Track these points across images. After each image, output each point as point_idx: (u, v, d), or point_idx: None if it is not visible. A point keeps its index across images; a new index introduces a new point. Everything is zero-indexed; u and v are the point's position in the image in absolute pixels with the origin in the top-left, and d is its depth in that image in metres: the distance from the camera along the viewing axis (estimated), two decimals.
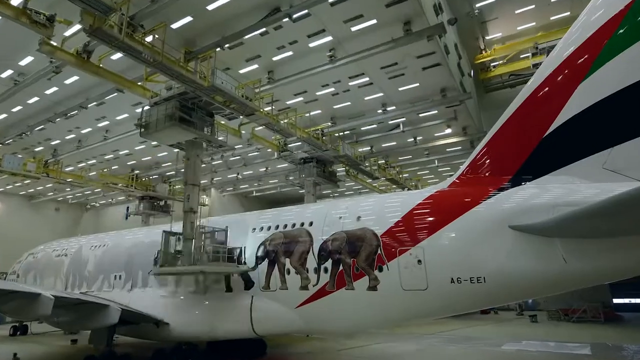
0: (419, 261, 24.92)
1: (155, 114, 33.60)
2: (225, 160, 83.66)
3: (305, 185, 59.40)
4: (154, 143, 67.36)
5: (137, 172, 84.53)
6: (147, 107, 34.47)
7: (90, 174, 78.89)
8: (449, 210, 25.21)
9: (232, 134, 46.06)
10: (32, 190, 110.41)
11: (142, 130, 33.70)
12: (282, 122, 46.03)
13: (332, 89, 56.03)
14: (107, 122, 66.02)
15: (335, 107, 60.34)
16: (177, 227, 34.22)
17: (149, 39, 30.61)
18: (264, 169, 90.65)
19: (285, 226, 32.81)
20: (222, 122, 42.63)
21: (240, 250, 33.08)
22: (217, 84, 32.98)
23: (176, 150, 37.43)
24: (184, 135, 33.70)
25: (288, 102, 57.90)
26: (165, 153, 78.69)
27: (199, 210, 33.73)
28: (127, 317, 33.20)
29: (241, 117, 38.09)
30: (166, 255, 31.89)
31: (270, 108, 44.16)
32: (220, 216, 41.87)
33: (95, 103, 55.57)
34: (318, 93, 57.18)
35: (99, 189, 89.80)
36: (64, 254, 49.34)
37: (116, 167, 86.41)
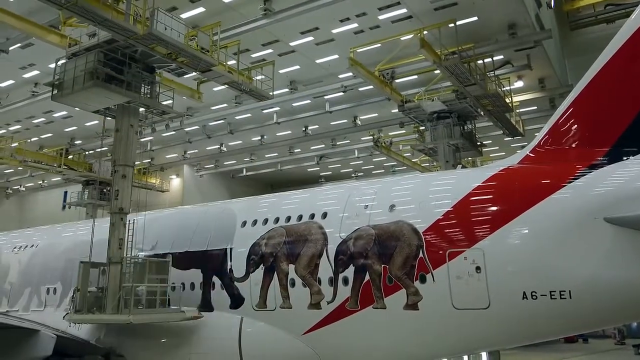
0: (478, 268, 24.69)
1: (72, 70, 33.19)
2: (203, 126, 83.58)
3: (442, 152, 59.14)
4: None
5: (78, 142, 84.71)
6: (62, 61, 34.40)
7: (12, 145, 79.02)
8: (520, 197, 25.22)
9: (187, 96, 46.92)
10: None
11: (55, 92, 33.61)
12: (257, 78, 44.96)
13: (355, 25, 55.77)
14: (36, 72, 66.13)
15: (359, 50, 60.00)
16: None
17: None
18: (259, 137, 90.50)
19: (289, 219, 32.19)
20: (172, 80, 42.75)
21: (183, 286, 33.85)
22: (156, 31, 32.08)
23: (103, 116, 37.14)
24: (112, 98, 33.54)
25: (292, 44, 57.80)
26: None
27: (131, 212, 33.74)
28: (65, 348, 32.91)
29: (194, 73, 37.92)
30: (83, 296, 31.41)
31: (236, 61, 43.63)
32: (195, 205, 41.73)
33: (19, 45, 55.69)
34: (334, 31, 57.09)
35: (20, 167, 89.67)
36: None
37: (49, 135, 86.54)
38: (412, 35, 51.73)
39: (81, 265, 31.69)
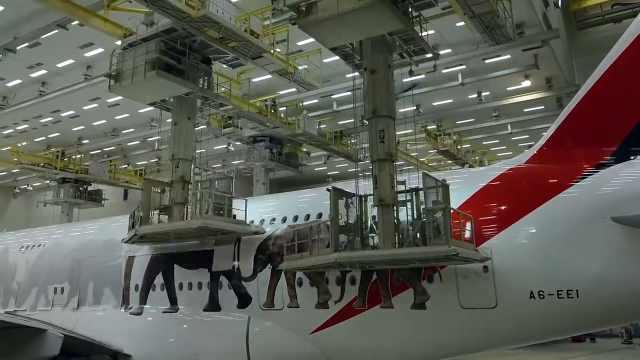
0: (485, 268, 24.65)
1: (131, 60, 32.76)
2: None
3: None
4: (111, 101, 67.64)
5: (85, 141, 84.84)
6: (119, 51, 34.12)
7: (20, 145, 79.26)
8: (528, 196, 25.29)
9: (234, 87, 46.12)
10: None
11: (113, 82, 33.16)
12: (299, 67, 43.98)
13: None
14: (43, 72, 66.19)
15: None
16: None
17: None
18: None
19: (296, 218, 32.01)
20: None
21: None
22: (210, 12, 31.75)
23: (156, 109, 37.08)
24: (173, 89, 33.13)
25: (300, 44, 57.78)
26: (126, 115, 78.61)
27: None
28: (72, 347, 32.73)
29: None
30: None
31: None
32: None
33: (26, 44, 55.74)
34: None
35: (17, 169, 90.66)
36: None
37: (57, 134, 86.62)
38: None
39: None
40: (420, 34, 28.79)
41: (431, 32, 53.87)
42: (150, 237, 32.51)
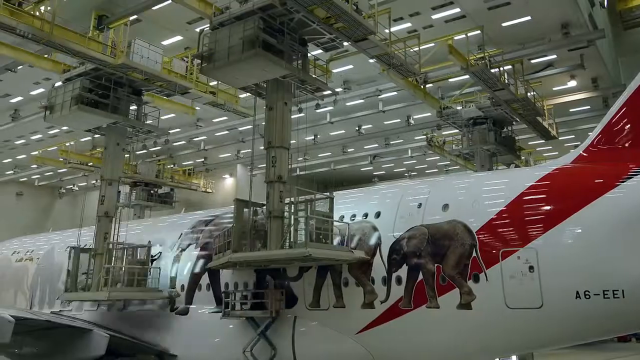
0: (531, 268, 24.60)
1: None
2: (257, 125, 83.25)
3: (478, 157, 59.43)
4: None
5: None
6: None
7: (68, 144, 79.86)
8: (573, 196, 25.10)
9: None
10: None
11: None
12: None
13: (408, 24, 55.39)
14: None
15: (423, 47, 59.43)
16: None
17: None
18: (312, 137, 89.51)
19: (342, 218, 32.00)
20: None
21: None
22: (130, 62, 34.27)
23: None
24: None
25: (344, 43, 57.58)
26: (172, 115, 78.57)
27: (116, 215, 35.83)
28: (118, 347, 33.05)
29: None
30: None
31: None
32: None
33: None
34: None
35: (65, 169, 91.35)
36: (28, 257, 49.26)
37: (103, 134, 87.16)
38: (434, 44, 51.30)
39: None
40: (312, 75, 33.36)
41: (475, 32, 54.09)
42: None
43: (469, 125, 59.20)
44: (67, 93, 35.08)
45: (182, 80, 38.67)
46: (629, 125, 25.45)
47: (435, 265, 27.06)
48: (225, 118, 75.08)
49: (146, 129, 37.51)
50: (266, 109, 32.72)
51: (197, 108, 51.72)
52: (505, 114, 56.85)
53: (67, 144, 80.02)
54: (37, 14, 32.09)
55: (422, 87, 57.14)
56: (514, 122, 60.74)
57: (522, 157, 76.99)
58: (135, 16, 42.34)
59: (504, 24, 54.49)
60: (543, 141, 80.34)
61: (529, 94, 55.62)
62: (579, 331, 25.39)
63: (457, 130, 65.35)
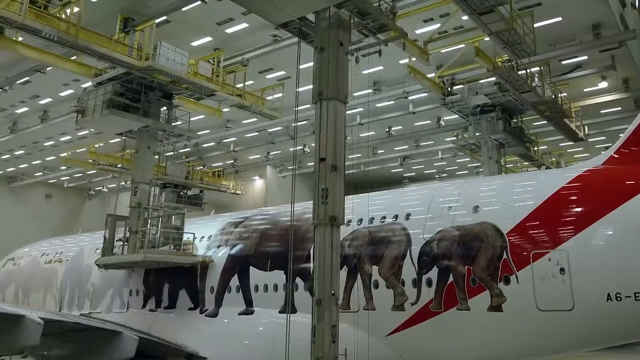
0: (562, 270, 24.43)
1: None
2: (286, 127, 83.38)
3: (486, 148, 58.76)
4: None
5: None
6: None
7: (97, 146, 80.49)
8: (605, 198, 24.95)
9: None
10: (13, 168, 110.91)
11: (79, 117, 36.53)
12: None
13: (438, 25, 55.02)
14: None
15: (443, 51, 59.34)
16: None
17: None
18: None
19: (372, 220, 32.03)
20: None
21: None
22: (156, 64, 35.14)
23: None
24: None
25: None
26: (202, 116, 78.69)
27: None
28: (148, 349, 33.15)
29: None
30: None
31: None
32: (270, 208, 41.64)
33: None
34: (418, 31, 55.68)
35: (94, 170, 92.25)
36: (57, 259, 49.50)
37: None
38: (464, 45, 51.33)
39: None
40: (377, 7, 26.94)
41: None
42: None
43: (476, 114, 58.43)
44: (98, 97, 35.75)
45: (208, 83, 39.16)
46: None
47: (466, 267, 26.92)
48: (254, 119, 74.88)
49: (177, 133, 37.75)
50: (316, 50, 26.67)
51: (224, 110, 51.74)
52: (515, 101, 55.64)
53: (96, 145, 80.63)
54: (63, 16, 32.57)
55: (448, 89, 56.81)
56: (524, 112, 60.17)
57: (553, 159, 76.64)
58: (164, 17, 42.60)
59: (535, 25, 54.15)
60: (573, 143, 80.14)
61: (557, 95, 55.30)
62: (610, 333, 25.17)
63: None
